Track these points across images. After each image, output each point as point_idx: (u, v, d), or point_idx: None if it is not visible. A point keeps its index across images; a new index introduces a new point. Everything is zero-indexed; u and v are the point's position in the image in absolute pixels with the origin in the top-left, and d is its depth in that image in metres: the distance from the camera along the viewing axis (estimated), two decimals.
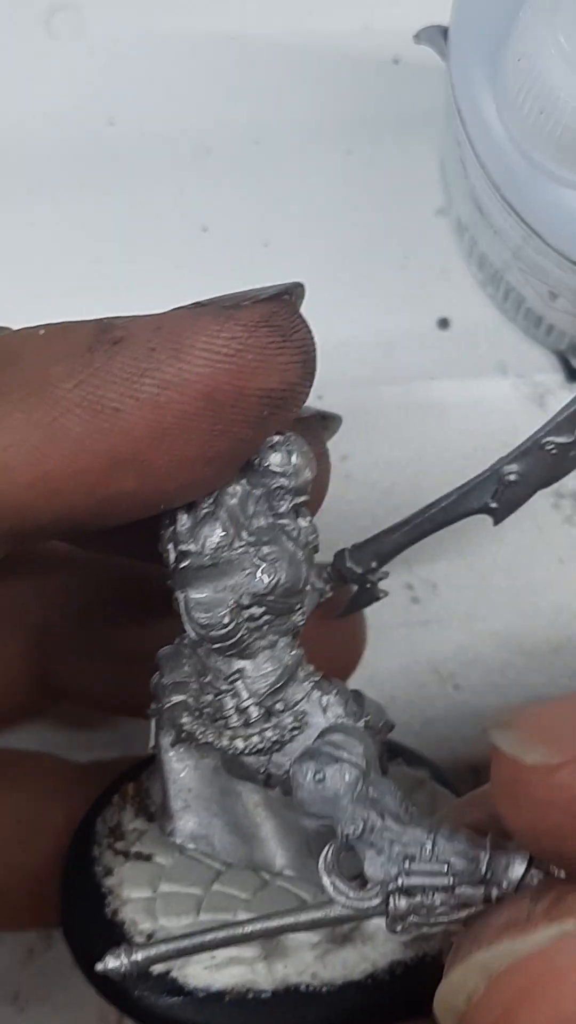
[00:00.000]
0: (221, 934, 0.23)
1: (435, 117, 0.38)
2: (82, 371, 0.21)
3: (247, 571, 0.22)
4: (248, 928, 0.23)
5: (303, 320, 0.23)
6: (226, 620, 0.22)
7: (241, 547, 0.23)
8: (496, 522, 0.25)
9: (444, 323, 0.38)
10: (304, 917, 0.22)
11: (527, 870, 0.20)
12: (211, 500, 0.23)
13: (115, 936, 0.25)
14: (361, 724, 0.23)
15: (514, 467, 0.25)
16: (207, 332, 0.21)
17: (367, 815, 0.21)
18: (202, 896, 0.25)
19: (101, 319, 0.22)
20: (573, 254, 0.31)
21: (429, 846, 0.21)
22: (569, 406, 0.24)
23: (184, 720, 0.23)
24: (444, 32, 0.32)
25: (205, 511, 0.23)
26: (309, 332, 0.23)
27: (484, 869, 0.20)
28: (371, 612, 0.36)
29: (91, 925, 0.25)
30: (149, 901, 0.25)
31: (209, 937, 0.23)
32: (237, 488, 0.23)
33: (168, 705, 0.23)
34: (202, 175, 0.39)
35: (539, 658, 0.36)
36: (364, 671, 0.35)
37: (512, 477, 0.25)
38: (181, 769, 0.25)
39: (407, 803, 0.22)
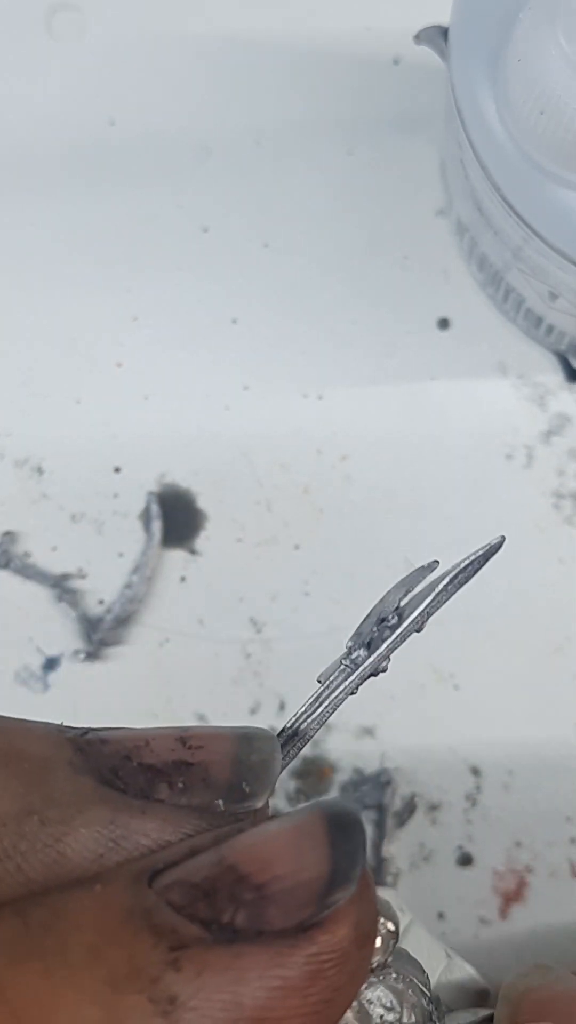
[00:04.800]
0: None
1: (435, 118, 0.38)
2: None
3: None
4: None
5: (374, 894, 0.18)
6: None
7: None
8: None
9: (444, 323, 0.38)
10: None
11: None
12: None
13: None
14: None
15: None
16: (297, 994, 0.16)
17: None
18: None
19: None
20: (573, 254, 0.31)
21: None
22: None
23: None
24: (444, 33, 0.32)
25: None
26: (376, 905, 0.19)
27: None
28: None
29: None
30: None
31: None
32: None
33: None
34: (202, 176, 0.39)
35: (540, 659, 0.36)
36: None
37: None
38: None
39: None
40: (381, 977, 0.21)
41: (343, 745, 0.35)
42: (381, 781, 0.35)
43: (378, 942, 0.21)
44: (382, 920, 0.21)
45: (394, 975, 0.22)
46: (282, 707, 0.35)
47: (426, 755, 0.35)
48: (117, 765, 0.19)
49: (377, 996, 0.21)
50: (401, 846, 0.35)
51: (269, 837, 0.18)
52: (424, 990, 0.23)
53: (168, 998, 0.15)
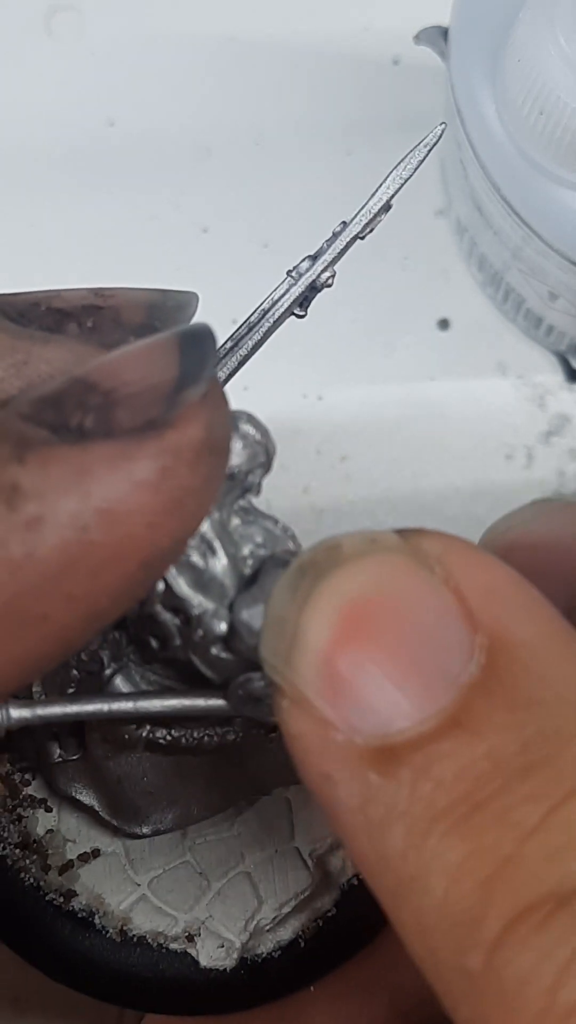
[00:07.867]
0: (96, 705, 0.20)
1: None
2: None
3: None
4: (125, 704, 0.20)
5: (227, 402, 0.18)
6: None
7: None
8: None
9: (444, 324, 0.38)
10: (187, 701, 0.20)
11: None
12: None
13: None
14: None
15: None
16: (146, 489, 0.16)
17: None
18: None
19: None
20: (573, 255, 0.31)
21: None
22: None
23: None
24: (444, 33, 0.32)
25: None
26: (230, 413, 0.18)
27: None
28: None
29: None
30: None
31: (87, 707, 0.20)
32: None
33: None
34: (202, 176, 0.39)
35: None
36: None
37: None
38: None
39: None
40: (256, 518, 0.20)
41: None
42: None
43: (240, 447, 0.20)
44: (253, 430, 0.20)
45: (275, 522, 0.20)
46: None
47: None
48: (25, 309, 0.19)
49: (250, 532, 0.20)
50: None
51: (121, 353, 0.17)
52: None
53: (11, 486, 0.16)
